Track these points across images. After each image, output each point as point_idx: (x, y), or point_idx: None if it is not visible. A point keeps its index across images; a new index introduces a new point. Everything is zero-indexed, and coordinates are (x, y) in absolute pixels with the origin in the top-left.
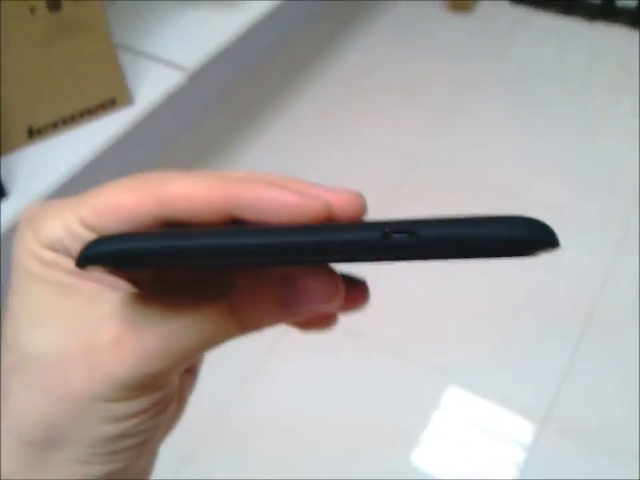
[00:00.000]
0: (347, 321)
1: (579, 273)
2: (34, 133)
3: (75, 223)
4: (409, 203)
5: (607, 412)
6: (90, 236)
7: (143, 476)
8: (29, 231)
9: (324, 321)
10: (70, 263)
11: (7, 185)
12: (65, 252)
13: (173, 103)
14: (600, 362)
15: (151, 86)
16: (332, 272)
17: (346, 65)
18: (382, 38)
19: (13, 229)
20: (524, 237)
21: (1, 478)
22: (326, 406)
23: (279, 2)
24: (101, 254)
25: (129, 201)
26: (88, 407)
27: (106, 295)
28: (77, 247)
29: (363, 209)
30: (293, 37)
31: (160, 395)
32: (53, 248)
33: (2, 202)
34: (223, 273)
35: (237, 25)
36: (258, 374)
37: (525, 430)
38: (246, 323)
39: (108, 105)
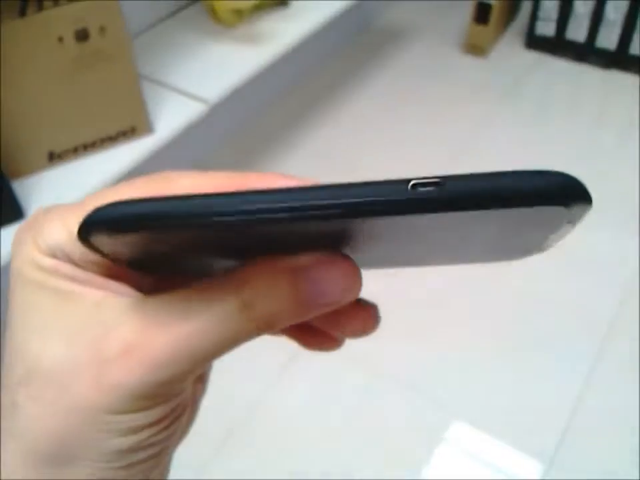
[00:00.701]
0: (353, 351)
1: (587, 312)
2: (54, 157)
3: (77, 226)
4: None
5: (615, 454)
6: None
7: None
8: (28, 237)
9: (330, 342)
10: (71, 270)
11: (24, 206)
12: (66, 258)
13: (192, 133)
14: (608, 402)
15: (172, 116)
16: (349, 260)
17: (363, 100)
18: (400, 76)
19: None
20: (553, 185)
21: None
22: (333, 436)
23: (302, 38)
24: (108, 217)
25: None
26: (97, 420)
27: (111, 301)
28: (78, 251)
29: None
30: (313, 72)
31: (173, 404)
32: (53, 254)
33: (18, 223)
34: (234, 268)
35: (259, 60)
36: (264, 401)
37: (532, 469)
38: (260, 322)
39: (128, 132)
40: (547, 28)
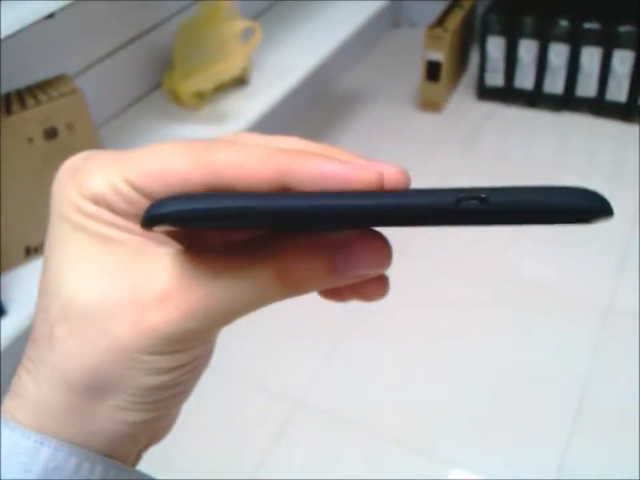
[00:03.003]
0: (349, 412)
1: (569, 350)
2: (31, 252)
3: (120, 181)
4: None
5: None
6: (135, 196)
7: (171, 423)
8: (71, 183)
9: (372, 293)
10: (113, 217)
11: (5, 303)
12: (106, 206)
13: None
14: (598, 441)
15: None
16: (381, 236)
17: None
18: (360, 138)
19: (13, 347)
20: (586, 206)
21: (45, 422)
22: None
23: (263, 113)
24: (170, 214)
25: (179, 167)
26: (133, 359)
27: (152, 249)
28: (120, 203)
29: (409, 186)
30: None
31: (201, 350)
32: (95, 201)
33: (1, 320)
34: (273, 236)
35: None
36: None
37: None
38: (292, 287)
39: None
40: (495, 79)
